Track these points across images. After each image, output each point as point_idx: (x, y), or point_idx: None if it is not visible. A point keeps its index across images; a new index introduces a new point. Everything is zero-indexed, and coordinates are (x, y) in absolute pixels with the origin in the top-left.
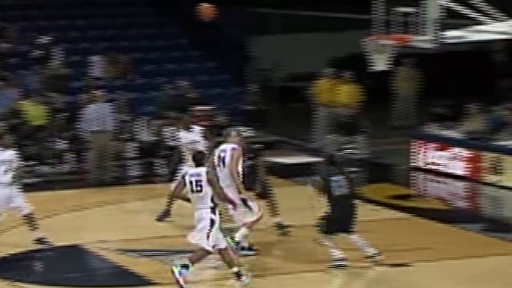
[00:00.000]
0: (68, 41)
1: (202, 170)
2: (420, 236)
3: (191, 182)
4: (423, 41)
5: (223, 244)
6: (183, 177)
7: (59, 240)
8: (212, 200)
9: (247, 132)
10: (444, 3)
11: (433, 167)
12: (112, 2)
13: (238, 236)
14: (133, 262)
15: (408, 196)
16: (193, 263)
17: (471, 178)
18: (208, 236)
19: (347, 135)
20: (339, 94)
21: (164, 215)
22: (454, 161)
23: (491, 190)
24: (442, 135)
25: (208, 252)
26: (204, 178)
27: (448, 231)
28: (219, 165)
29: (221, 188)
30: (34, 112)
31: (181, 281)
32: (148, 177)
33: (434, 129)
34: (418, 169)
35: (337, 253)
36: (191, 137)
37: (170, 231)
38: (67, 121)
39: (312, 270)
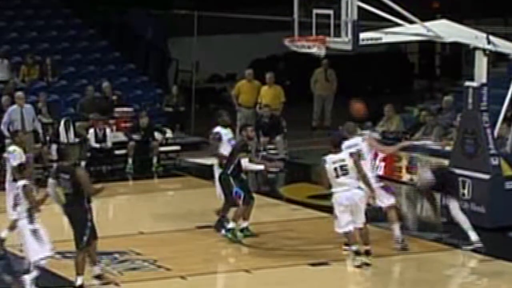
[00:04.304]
0: None
1: (345, 154)
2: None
3: (335, 169)
4: (342, 43)
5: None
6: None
7: None
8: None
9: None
10: (361, 5)
11: None
12: (31, 3)
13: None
14: (57, 264)
15: (327, 195)
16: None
17: (388, 178)
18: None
19: (268, 136)
20: (259, 95)
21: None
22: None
23: (408, 189)
24: None
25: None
26: (349, 162)
27: None
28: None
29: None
30: None
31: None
32: None
33: None
34: None
35: None
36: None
37: None
38: None
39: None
